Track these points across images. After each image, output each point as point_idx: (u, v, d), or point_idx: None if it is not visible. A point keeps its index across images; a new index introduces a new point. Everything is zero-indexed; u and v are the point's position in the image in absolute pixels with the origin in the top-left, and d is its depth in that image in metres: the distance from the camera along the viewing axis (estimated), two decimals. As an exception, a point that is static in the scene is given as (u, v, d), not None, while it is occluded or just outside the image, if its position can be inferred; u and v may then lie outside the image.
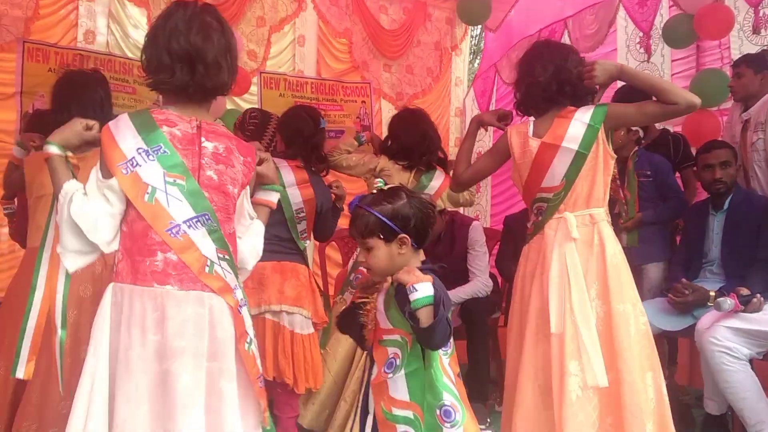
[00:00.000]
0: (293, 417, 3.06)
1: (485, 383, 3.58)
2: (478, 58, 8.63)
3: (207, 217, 1.65)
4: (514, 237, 4.02)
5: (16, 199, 3.28)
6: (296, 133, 3.18)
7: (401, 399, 1.76)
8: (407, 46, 6.27)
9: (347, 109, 6.28)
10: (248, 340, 1.69)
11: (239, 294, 1.70)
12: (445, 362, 1.80)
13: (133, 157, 1.62)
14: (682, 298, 3.13)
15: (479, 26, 6.72)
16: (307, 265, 3.16)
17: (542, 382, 2.30)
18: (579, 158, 2.36)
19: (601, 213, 2.40)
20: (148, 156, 1.62)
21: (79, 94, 2.67)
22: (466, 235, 3.82)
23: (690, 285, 3.16)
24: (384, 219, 1.83)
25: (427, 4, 6.32)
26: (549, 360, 2.29)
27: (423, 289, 1.71)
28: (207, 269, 1.63)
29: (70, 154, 1.74)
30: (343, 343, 3.22)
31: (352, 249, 4.30)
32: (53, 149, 1.70)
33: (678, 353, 3.88)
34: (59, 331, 1.70)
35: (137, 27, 5.38)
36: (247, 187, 1.80)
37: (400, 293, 1.79)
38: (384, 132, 3.95)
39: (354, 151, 3.66)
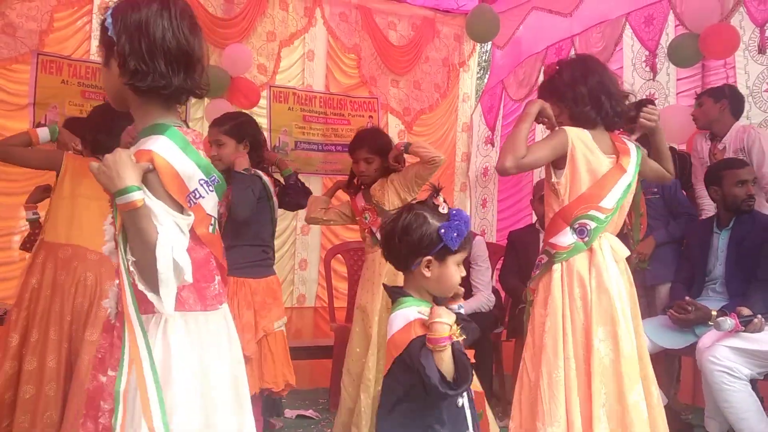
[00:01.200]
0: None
1: (487, 397, 3.58)
2: (486, 74, 8.68)
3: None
4: (518, 253, 4.05)
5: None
6: (256, 141, 3.12)
7: None
8: (415, 61, 6.34)
9: (354, 124, 6.34)
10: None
11: None
12: None
13: (196, 189, 1.49)
14: (683, 316, 3.13)
15: (488, 43, 6.77)
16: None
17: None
18: (629, 187, 2.31)
19: None
20: (208, 187, 1.52)
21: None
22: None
23: (692, 303, 3.16)
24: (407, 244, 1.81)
25: (435, 21, 6.40)
26: (616, 380, 2.19)
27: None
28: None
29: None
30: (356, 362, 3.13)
31: (358, 262, 4.32)
32: (139, 195, 1.36)
33: (681, 371, 3.89)
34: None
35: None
36: None
37: None
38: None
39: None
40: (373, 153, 3.12)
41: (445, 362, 1.59)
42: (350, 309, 4.10)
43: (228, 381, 1.55)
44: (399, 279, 2.00)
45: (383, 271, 2.96)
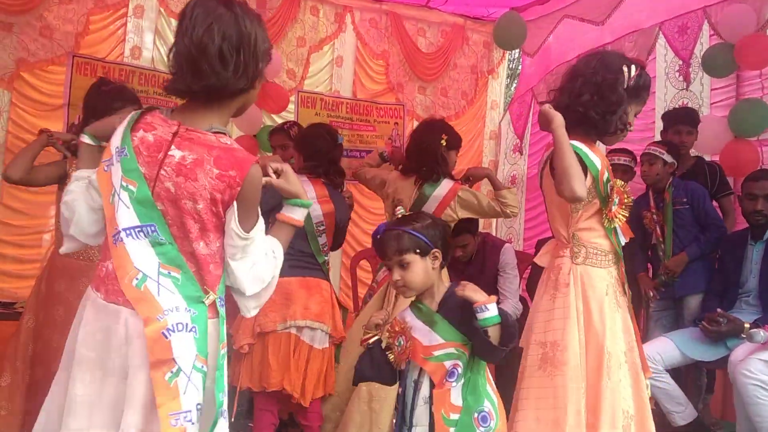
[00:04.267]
0: (320, 424, 3.12)
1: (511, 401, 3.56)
2: (515, 81, 8.65)
3: (152, 228, 1.52)
4: (546, 261, 4.02)
5: None
6: (316, 149, 3.22)
7: (458, 405, 1.88)
8: (443, 68, 6.33)
9: (380, 130, 6.35)
10: (174, 370, 1.47)
11: (176, 317, 1.50)
12: (488, 371, 1.95)
13: (112, 156, 1.55)
14: (715, 328, 3.08)
15: (517, 50, 6.75)
16: (329, 280, 3.21)
17: None
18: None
19: (565, 249, 2.30)
20: (117, 156, 1.55)
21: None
22: (498, 257, 3.83)
23: (725, 315, 3.12)
24: (418, 234, 1.96)
25: (465, 28, 6.38)
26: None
27: (492, 308, 1.81)
28: (135, 282, 1.50)
29: (104, 143, 1.69)
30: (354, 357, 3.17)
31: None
32: (85, 138, 1.77)
33: (704, 386, 3.82)
34: None
35: (181, 43, 5.53)
36: (233, 205, 1.55)
37: (453, 309, 1.91)
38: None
39: (376, 166, 3.74)
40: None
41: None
42: (375, 314, 4.11)
43: (62, 367, 1.58)
44: None
45: None
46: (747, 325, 2.98)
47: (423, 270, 1.96)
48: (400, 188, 3.40)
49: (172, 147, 1.53)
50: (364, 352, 2.06)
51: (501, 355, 1.84)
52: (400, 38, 6.08)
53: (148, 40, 5.45)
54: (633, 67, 2.24)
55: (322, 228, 3.18)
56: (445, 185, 3.33)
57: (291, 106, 5.71)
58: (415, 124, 6.35)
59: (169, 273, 1.52)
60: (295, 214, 1.74)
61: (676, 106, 4.60)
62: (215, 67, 1.50)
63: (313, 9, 5.75)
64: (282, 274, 3.03)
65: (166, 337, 1.47)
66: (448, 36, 6.33)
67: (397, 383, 2.01)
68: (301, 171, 3.19)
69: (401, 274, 1.96)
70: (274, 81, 5.22)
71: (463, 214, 3.35)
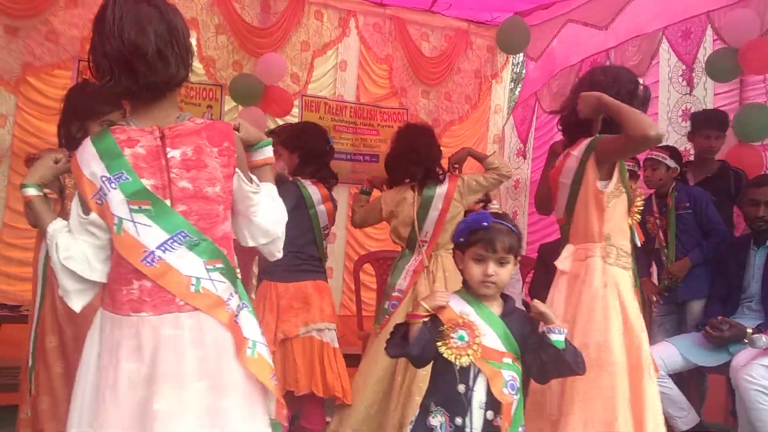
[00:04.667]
0: (323, 428, 3.13)
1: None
2: (519, 86, 8.66)
3: (183, 234, 1.55)
4: (549, 266, 4.01)
5: None
6: (314, 152, 3.22)
7: (519, 418, 1.92)
8: (447, 73, 6.34)
9: (383, 134, 6.36)
10: (249, 345, 1.61)
11: (234, 302, 1.62)
12: None
13: (101, 187, 1.53)
14: (718, 333, 3.08)
15: (521, 54, 6.76)
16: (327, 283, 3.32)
17: None
18: (573, 193, 2.35)
19: (596, 248, 2.29)
20: (111, 184, 1.52)
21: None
22: (500, 261, 3.83)
23: (727, 321, 3.12)
24: (520, 239, 2.01)
25: (468, 33, 6.40)
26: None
27: (561, 333, 1.87)
28: (193, 288, 1.56)
29: (47, 191, 1.73)
30: (379, 364, 3.16)
31: (387, 271, 4.32)
32: (31, 191, 1.69)
33: (707, 390, 3.81)
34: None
35: (186, 48, 5.55)
36: (237, 170, 1.65)
37: (516, 322, 1.95)
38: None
39: (364, 204, 3.66)
40: None
41: (412, 335, 1.91)
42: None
43: (119, 395, 1.51)
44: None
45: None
46: (749, 331, 2.98)
47: (509, 273, 1.97)
48: (399, 201, 3.37)
49: (168, 149, 1.56)
50: (404, 325, 1.98)
51: (558, 375, 1.94)
52: (403, 43, 6.10)
53: (152, 45, 5.47)
54: (641, 80, 2.45)
55: (326, 231, 3.25)
56: (443, 183, 3.36)
57: (295, 110, 5.73)
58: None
59: (215, 266, 1.59)
60: (266, 154, 1.80)
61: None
62: (156, 66, 1.52)
63: (317, 13, 5.78)
64: (298, 278, 3.10)
65: (237, 323, 1.60)
66: (452, 40, 6.34)
67: (456, 379, 1.91)
68: (299, 173, 3.20)
69: (497, 270, 1.93)
70: (278, 85, 5.24)
71: (471, 198, 3.37)
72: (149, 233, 1.53)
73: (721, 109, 4.38)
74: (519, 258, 2.03)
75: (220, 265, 1.60)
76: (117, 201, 1.53)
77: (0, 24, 4.62)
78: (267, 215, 1.70)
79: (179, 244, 1.55)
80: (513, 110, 6.86)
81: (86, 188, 1.55)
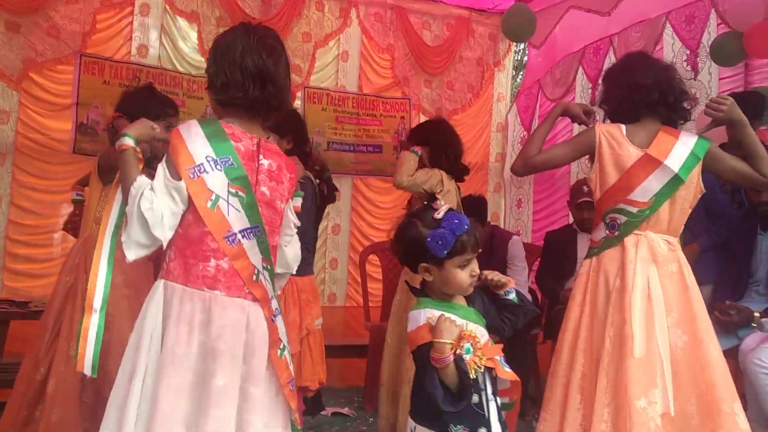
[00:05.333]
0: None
1: (523, 399, 3.56)
2: (521, 73, 8.62)
3: (258, 229, 1.74)
4: (555, 253, 4.01)
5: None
6: (304, 137, 3.17)
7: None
8: (449, 62, 6.32)
9: (386, 124, 6.36)
10: (281, 347, 1.77)
11: (275, 304, 1.80)
12: None
13: (201, 164, 1.69)
14: (726, 318, 3.08)
15: (523, 42, 6.73)
16: None
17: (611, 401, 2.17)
18: (674, 181, 2.26)
19: (678, 242, 2.33)
20: (216, 165, 1.70)
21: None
22: (506, 249, 3.83)
23: (734, 305, 3.11)
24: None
25: (471, 21, 6.37)
26: (622, 381, 2.14)
27: (513, 290, 1.93)
28: (254, 277, 1.73)
29: (138, 149, 1.82)
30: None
31: (393, 262, 4.32)
32: (129, 141, 1.78)
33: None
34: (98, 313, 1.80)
35: (186, 39, 5.55)
36: (290, 200, 1.89)
37: (475, 300, 1.91)
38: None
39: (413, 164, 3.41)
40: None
41: (449, 376, 1.69)
42: (385, 308, 4.11)
43: (186, 365, 1.62)
44: None
45: None
46: (757, 314, 2.98)
47: None
48: (447, 188, 3.22)
49: (260, 156, 1.78)
50: (438, 375, 1.72)
51: (525, 321, 1.94)
52: (405, 32, 6.07)
53: (153, 38, 5.47)
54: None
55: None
56: None
57: (297, 102, 5.73)
58: (422, 117, 6.37)
59: (266, 266, 1.77)
60: (297, 203, 2.00)
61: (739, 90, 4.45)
62: (281, 89, 1.81)
63: (318, 4, 5.76)
64: (310, 271, 3.13)
65: (274, 321, 1.77)
66: (454, 29, 6.31)
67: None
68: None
69: (477, 267, 1.84)
70: (280, 77, 5.24)
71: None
72: (237, 217, 1.71)
73: (726, 93, 4.34)
74: None
75: (269, 267, 1.79)
76: (218, 181, 1.70)
77: (1, 20, 4.61)
78: (294, 251, 1.97)
79: (253, 236, 1.73)
80: (516, 98, 6.84)
81: (183, 159, 1.69)
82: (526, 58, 7.49)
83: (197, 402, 1.61)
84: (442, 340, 1.69)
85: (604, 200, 2.32)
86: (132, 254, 1.68)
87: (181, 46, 5.56)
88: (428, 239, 1.77)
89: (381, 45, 6.06)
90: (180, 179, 1.67)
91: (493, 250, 3.84)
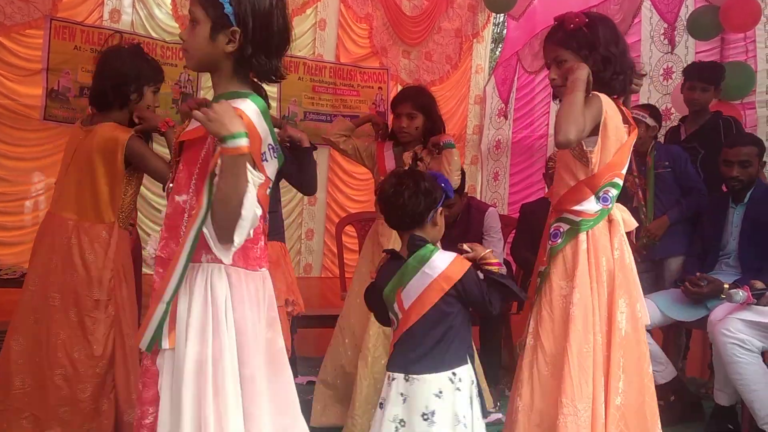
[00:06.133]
0: None
1: (496, 368, 3.61)
2: (499, 46, 8.59)
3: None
4: (530, 225, 4.04)
5: None
6: None
7: None
8: (428, 32, 6.27)
9: (364, 95, 6.31)
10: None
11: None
12: None
13: (265, 152, 1.58)
14: (696, 289, 3.14)
15: (502, 14, 6.69)
16: None
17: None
18: None
19: None
20: (273, 153, 1.60)
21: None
22: (482, 220, 3.84)
23: (705, 277, 3.16)
24: None
25: (450, -9, 6.31)
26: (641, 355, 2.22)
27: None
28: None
29: None
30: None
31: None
32: (246, 142, 1.46)
33: (687, 346, 3.91)
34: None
35: (161, 7, 5.43)
36: None
37: None
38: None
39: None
40: (417, 110, 3.01)
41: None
42: (361, 279, 4.11)
43: (262, 342, 1.64)
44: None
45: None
46: (726, 286, 3.03)
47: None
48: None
49: None
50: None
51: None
52: (384, 1, 6.00)
53: (126, 3, 5.34)
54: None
55: None
56: None
57: (273, 71, 5.65)
58: (399, 88, 6.32)
59: None
60: None
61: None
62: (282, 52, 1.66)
63: (296, -30, 5.65)
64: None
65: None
66: (433, -1, 6.26)
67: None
68: None
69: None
70: (256, 45, 5.15)
71: None
72: (268, 200, 1.65)
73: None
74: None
75: None
76: (273, 169, 1.61)
77: (-33, -19, 4.47)
78: None
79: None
80: (494, 70, 6.82)
81: (256, 148, 1.54)
82: (505, 31, 7.45)
83: (271, 368, 1.66)
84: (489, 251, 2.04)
85: (602, 174, 2.23)
86: (231, 257, 1.56)
87: (156, 13, 5.43)
88: (443, 183, 2.02)
89: (359, 14, 5.99)
90: (255, 169, 1.52)
91: (469, 221, 3.85)
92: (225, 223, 1.49)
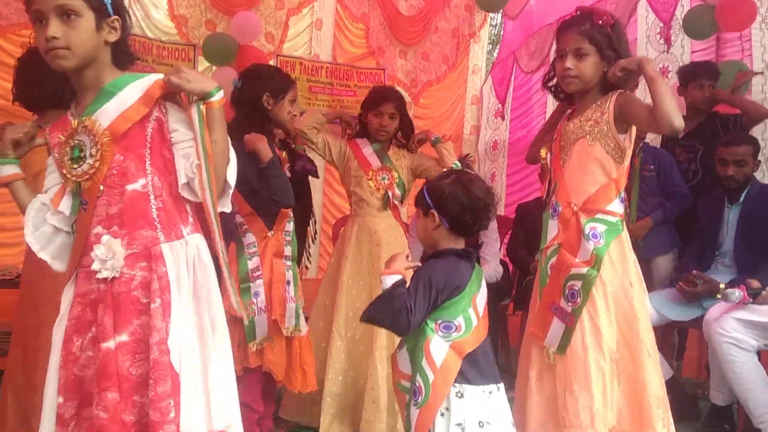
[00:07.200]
0: None
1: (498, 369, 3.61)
2: (497, 46, 8.59)
3: None
4: (526, 225, 4.03)
5: None
6: None
7: (407, 372, 1.85)
8: (425, 32, 6.24)
9: (360, 95, 6.24)
10: None
11: None
12: (435, 345, 1.80)
13: None
14: (691, 289, 3.13)
15: (499, 14, 6.68)
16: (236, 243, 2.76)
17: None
18: None
19: None
20: None
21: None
22: (478, 221, 3.84)
23: (700, 276, 3.16)
24: (425, 192, 1.93)
25: (446, -9, 6.30)
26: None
27: (385, 281, 1.79)
28: None
29: None
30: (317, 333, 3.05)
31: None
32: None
33: (683, 345, 3.91)
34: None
35: (158, 7, 5.42)
36: None
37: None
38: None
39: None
40: (398, 111, 3.06)
41: None
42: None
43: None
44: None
45: (389, 235, 2.97)
46: (722, 285, 3.03)
47: (421, 227, 1.96)
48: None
49: None
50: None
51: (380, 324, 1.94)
52: (380, 1, 5.98)
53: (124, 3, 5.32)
54: None
55: None
56: None
57: (270, 71, 5.64)
58: (397, 89, 6.30)
59: None
60: None
61: (694, 61, 4.45)
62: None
63: (292, -30, 5.64)
64: None
65: None
66: (430, -1, 6.24)
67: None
68: None
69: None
70: (252, 45, 5.14)
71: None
72: None
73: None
74: (432, 210, 1.90)
75: None
76: None
77: (-38, -18, 4.46)
78: None
79: None
80: (491, 70, 6.81)
81: None
82: (502, 31, 7.44)
83: None
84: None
85: (625, 173, 2.25)
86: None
87: (153, 13, 5.42)
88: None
89: (355, 14, 5.96)
90: None
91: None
92: (223, 171, 1.62)
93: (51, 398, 1.55)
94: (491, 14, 6.71)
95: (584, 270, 2.16)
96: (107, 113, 1.57)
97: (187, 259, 1.61)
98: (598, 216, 2.19)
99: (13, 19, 4.67)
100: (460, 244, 1.92)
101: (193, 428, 1.52)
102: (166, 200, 1.61)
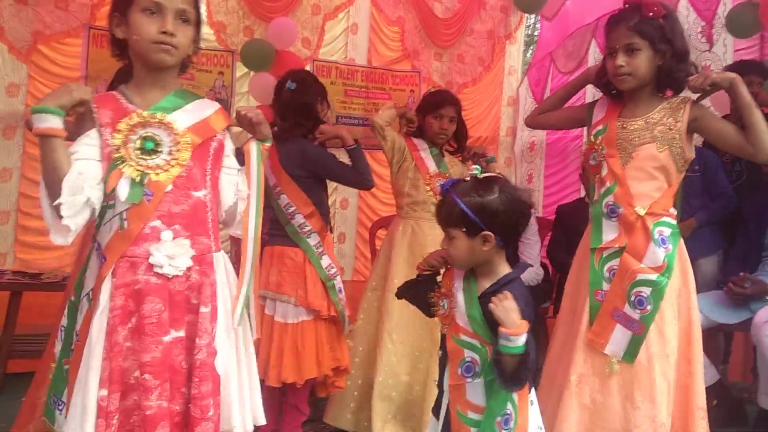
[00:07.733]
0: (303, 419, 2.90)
1: (534, 372, 3.58)
2: (532, 47, 8.53)
3: None
4: (566, 227, 4.00)
5: None
6: None
7: (477, 404, 1.74)
8: (460, 34, 6.23)
9: (396, 98, 6.30)
10: None
11: None
12: None
13: None
14: (740, 290, 3.07)
15: (534, 14, 6.64)
16: (300, 247, 2.81)
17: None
18: None
19: None
20: None
21: None
22: (518, 223, 3.82)
23: (749, 277, 3.11)
24: (469, 213, 1.75)
25: (481, -8, 6.28)
26: None
27: (516, 341, 1.61)
28: None
29: None
30: (367, 335, 3.11)
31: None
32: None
33: (729, 349, 3.83)
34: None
35: (199, 14, 5.50)
36: None
37: (485, 304, 1.74)
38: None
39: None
40: (457, 115, 3.10)
41: None
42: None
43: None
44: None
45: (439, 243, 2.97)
46: (771, 287, 2.97)
47: (466, 249, 1.78)
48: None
49: None
50: (415, 281, 2.02)
51: (509, 385, 1.68)
52: (415, 4, 5.99)
53: (162, 11, 5.41)
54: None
55: (278, 189, 2.83)
56: None
57: (307, 75, 5.68)
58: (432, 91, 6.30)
59: None
60: None
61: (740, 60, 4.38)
62: None
63: (328, -25, 5.68)
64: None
65: None
66: (465, 1, 6.22)
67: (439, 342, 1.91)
68: None
69: (447, 244, 1.82)
70: (289, 50, 5.19)
71: None
72: None
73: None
74: (486, 233, 1.74)
75: None
76: None
77: (9, -8, 4.58)
78: None
79: None
80: (527, 71, 6.76)
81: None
82: (537, 32, 7.40)
83: None
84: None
85: (680, 181, 2.25)
86: None
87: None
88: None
89: (391, 17, 5.98)
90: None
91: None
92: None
93: (92, 391, 1.50)
94: (526, 15, 6.65)
95: (654, 276, 2.11)
96: (183, 118, 1.69)
97: (226, 271, 1.75)
98: (664, 219, 2.19)
99: (56, 27, 4.78)
100: (504, 257, 1.85)
101: (239, 429, 1.67)
102: (214, 214, 1.74)
